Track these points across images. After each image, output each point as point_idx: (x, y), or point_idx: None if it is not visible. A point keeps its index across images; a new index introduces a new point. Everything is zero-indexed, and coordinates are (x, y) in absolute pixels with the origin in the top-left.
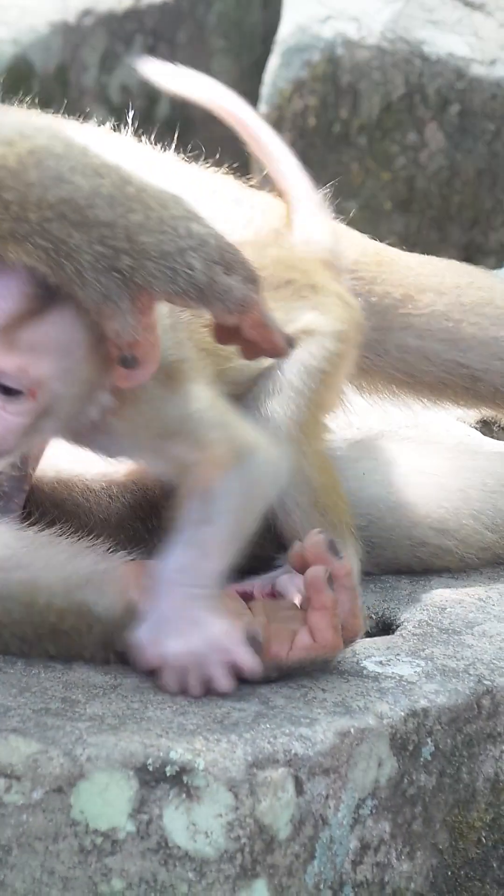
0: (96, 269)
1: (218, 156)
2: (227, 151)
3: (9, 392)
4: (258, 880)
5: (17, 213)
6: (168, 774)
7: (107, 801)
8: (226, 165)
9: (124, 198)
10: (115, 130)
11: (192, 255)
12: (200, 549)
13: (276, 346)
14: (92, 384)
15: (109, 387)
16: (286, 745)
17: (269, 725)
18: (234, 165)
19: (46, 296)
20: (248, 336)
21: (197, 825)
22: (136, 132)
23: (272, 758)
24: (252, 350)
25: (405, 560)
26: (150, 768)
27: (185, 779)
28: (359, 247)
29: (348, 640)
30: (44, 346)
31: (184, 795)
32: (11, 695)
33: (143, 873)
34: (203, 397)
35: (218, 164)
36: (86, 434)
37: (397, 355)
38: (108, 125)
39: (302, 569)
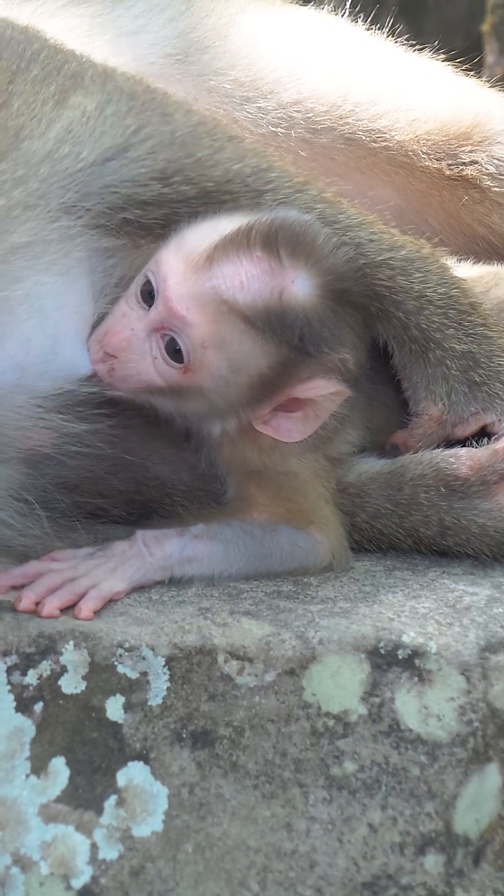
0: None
1: (447, 39)
2: (459, 33)
3: (176, 354)
4: (490, 764)
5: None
6: (400, 658)
7: (339, 684)
8: (454, 50)
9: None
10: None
11: None
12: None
13: None
14: (238, 403)
15: (245, 419)
16: None
17: (502, 610)
18: (462, 49)
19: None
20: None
21: (429, 708)
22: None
23: None
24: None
25: None
26: (382, 651)
27: (417, 662)
28: None
29: None
30: (234, 342)
31: (416, 679)
32: None
33: (375, 756)
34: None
35: (448, 48)
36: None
37: None
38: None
39: None
